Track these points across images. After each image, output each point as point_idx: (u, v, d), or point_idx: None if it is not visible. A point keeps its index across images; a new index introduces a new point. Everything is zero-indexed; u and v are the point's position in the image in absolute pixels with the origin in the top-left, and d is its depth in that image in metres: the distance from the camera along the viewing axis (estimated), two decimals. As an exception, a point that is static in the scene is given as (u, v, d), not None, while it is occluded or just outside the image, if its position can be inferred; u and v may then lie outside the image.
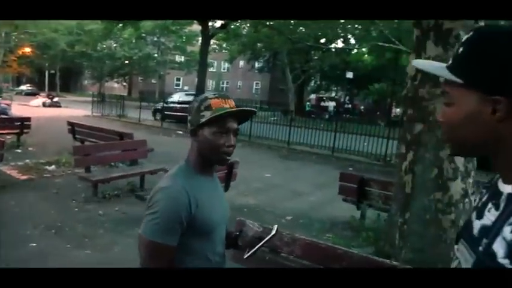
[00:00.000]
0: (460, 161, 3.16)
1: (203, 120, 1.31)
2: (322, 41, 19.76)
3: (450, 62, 0.88)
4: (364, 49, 23.97)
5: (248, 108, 1.43)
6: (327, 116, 24.90)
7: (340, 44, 24.22)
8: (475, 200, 1.03)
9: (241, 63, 40.38)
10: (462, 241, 0.95)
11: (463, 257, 0.92)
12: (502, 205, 0.83)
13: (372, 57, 28.24)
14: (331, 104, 30.06)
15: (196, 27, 24.57)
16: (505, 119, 0.80)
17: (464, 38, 0.87)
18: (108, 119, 17.86)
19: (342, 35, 21.35)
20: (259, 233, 1.47)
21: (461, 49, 0.86)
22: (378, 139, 12.11)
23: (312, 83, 38.63)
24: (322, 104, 30.65)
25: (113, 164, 7.53)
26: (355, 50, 26.10)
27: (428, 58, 3.20)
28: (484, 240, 0.83)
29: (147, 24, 23.99)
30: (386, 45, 12.49)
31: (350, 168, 10.35)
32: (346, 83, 27.14)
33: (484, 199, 0.93)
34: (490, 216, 0.85)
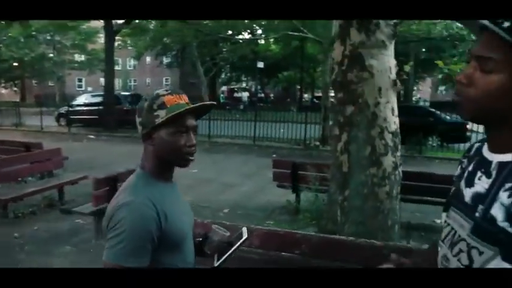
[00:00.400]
0: (389, 137, 3.44)
1: (159, 120, 1.19)
2: (230, 32, 19.85)
3: (508, 24, 0.84)
4: (271, 39, 24.65)
5: (209, 102, 1.36)
6: (241, 107, 25.25)
7: (247, 35, 24.62)
8: (457, 171, 1.12)
9: (148, 59, 38.90)
10: (453, 209, 1.01)
11: (456, 223, 0.98)
12: (493, 173, 0.90)
13: (279, 47, 29.20)
14: (245, 95, 30.54)
15: (96, 23, 22.88)
16: None
17: None
18: (2, 130, 15.87)
19: (248, 25, 21.70)
20: (227, 237, 1.38)
21: None
22: (295, 124, 12.67)
23: (223, 75, 38.77)
24: (236, 95, 30.99)
25: (20, 179, 6.74)
26: (263, 41, 26.74)
27: (353, 44, 3.41)
28: (480, 207, 0.89)
29: (38, 21, 21.67)
30: (296, 33, 12.97)
31: (274, 155, 10.65)
32: (257, 72, 27.78)
33: (470, 168, 1.00)
34: (482, 183, 0.92)
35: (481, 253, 0.88)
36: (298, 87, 35.57)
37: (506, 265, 0.84)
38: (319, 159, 10.20)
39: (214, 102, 1.47)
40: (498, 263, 0.85)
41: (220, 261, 1.32)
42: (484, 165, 0.95)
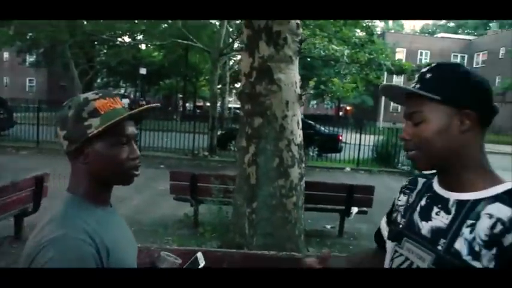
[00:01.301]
0: (295, 149, 3.56)
1: (92, 131, 0.97)
2: (110, 34, 18.53)
3: (419, 85, 1.00)
4: (152, 45, 23.83)
5: (154, 105, 1.17)
6: (121, 114, 23.66)
7: (127, 38, 23.36)
8: (400, 200, 1.17)
9: (6, 55, 34.13)
10: (408, 240, 1.05)
11: (413, 255, 1.02)
12: (452, 209, 0.97)
13: (161, 54, 28.43)
14: (125, 101, 28.85)
15: None
16: (467, 130, 0.96)
17: (425, 69, 1.02)
18: None
19: (129, 29, 20.61)
20: (179, 265, 1.21)
21: (429, 75, 0.99)
22: (180, 134, 12.38)
23: (99, 80, 36.02)
24: (114, 101, 29.01)
25: None
26: (144, 46, 25.68)
27: (262, 57, 3.46)
28: (443, 240, 0.95)
29: None
30: (184, 42, 12.75)
31: (161, 166, 10.24)
32: (140, 79, 26.46)
33: (423, 203, 1.07)
34: (442, 219, 0.99)
35: None
36: (181, 96, 35.09)
37: None
38: (209, 169, 10.15)
39: (158, 104, 1.28)
40: None
41: None
42: (439, 201, 1.02)
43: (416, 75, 1.04)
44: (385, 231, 1.27)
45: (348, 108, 40.73)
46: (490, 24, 46.06)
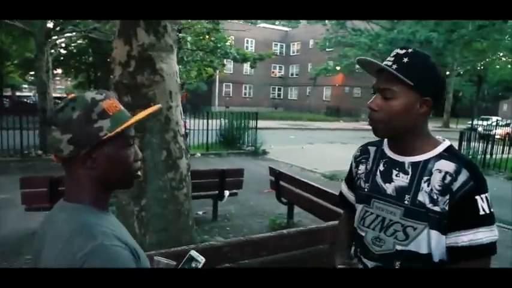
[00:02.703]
0: (181, 140, 3.51)
1: (105, 133, 0.94)
2: None
3: (396, 66, 1.19)
4: None
5: (158, 106, 1.13)
6: None
7: None
8: (360, 169, 1.40)
9: None
10: (377, 201, 1.31)
11: (384, 212, 1.29)
12: (409, 170, 1.25)
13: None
14: None
15: None
16: (424, 112, 1.23)
17: (402, 51, 1.20)
18: None
19: None
20: (175, 266, 1.20)
21: (406, 59, 1.19)
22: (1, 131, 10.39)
23: None
24: None
25: None
26: None
27: (142, 46, 3.25)
28: (407, 196, 1.23)
29: None
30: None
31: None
32: None
33: (381, 168, 1.33)
34: (402, 179, 1.26)
35: (414, 229, 1.21)
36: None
37: (433, 232, 1.18)
38: (47, 171, 8.82)
39: (161, 105, 1.18)
40: (427, 232, 1.19)
41: None
42: (396, 165, 1.29)
43: (392, 55, 1.21)
44: (349, 195, 1.50)
45: (184, 94, 41.00)
46: (300, 18, 52.78)
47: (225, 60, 12.48)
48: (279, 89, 44.81)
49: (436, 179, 1.18)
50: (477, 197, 1.14)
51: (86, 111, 0.93)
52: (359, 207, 1.39)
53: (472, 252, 1.14)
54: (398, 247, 1.23)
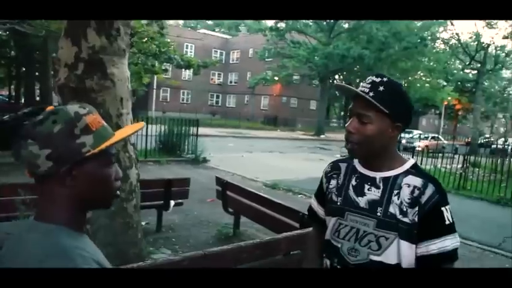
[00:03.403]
0: (131, 148, 3.35)
1: (88, 150, 0.89)
2: None
3: (372, 93, 1.29)
4: None
5: (141, 124, 1.09)
6: None
7: None
8: (331, 184, 1.47)
9: None
10: (351, 214, 1.41)
11: (358, 223, 1.38)
12: (380, 185, 1.37)
13: None
14: None
15: None
16: (395, 135, 1.34)
17: (378, 79, 1.30)
18: None
19: None
20: None
21: (382, 88, 1.31)
22: None
23: None
24: None
25: None
26: None
27: (92, 48, 3.07)
28: (379, 208, 1.34)
29: None
30: None
31: None
32: None
33: (353, 183, 1.42)
34: (374, 193, 1.37)
35: (387, 239, 1.32)
36: None
37: (403, 243, 1.29)
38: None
39: (143, 123, 1.12)
40: (397, 242, 1.30)
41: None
42: (368, 180, 1.40)
43: (368, 82, 1.31)
44: (319, 210, 1.58)
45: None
46: (240, 28, 53.49)
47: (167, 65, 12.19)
48: (217, 96, 44.79)
49: (406, 193, 1.30)
50: (443, 208, 1.28)
51: (69, 125, 0.88)
52: (332, 220, 1.45)
53: (441, 258, 1.27)
54: (372, 257, 1.31)
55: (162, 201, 5.08)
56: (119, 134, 0.97)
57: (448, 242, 1.26)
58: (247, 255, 2.69)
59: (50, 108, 0.93)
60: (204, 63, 12.71)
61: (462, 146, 18.59)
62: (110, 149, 0.94)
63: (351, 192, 1.40)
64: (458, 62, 35.10)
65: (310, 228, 3.28)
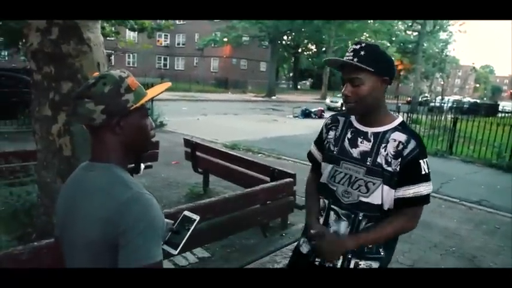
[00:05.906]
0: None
1: (131, 105, 1.12)
2: None
3: (356, 59, 1.49)
4: None
5: (167, 83, 1.32)
6: None
7: None
8: (330, 135, 1.73)
9: None
10: (345, 162, 1.64)
11: (351, 171, 1.62)
12: (371, 138, 1.61)
13: None
14: None
15: None
16: (383, 90, 1.59)
17: (357, 46, 1.52)
18: None
19: None
20: (171, 225, 1.36)
21: (363, 52, 1.51)
22: None
23: None
24: None
25: None
26: None
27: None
28: (369, 159, 1.59)
29: None
30: None
31: None
32: None
33: (349, 136, 1.66)
34: (365, 145, 1.61)
35: (374, 184, 1.57)
36: None
37: (385, 187, 1.55)
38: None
39: (170, 83, 1.35)
40: (381, 187, 1.56)
41: (180, 247, 1.29)
42: (361, 134, 1.64)
43: (350, 50, 1.52)
44: (317, 155, 1.81)
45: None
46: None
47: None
48: (165, 59, 43.29)
49: (391, 146, 1.54)
50: (421, 161, 1.51)
51: (116, 86, 1.10)
52: (328, 166, 1.68)
53: (415, 201, 1.52)
54: (361, 198, 1.56)
55: (133, 165, 5.18)
56: (151, 92, 1.20)
57: (422, 188, 1.51)
58: (232, 205, 2.98)
59: (98, 73, 1.15)
60: (159, 26, 12.28)
61: (404, 105, 19.72)
62: (146, 104, 1.18)
63: (346, 144, 1.63)
64: (400, 23, 36.49)
65: (283, 180, 3.61)
